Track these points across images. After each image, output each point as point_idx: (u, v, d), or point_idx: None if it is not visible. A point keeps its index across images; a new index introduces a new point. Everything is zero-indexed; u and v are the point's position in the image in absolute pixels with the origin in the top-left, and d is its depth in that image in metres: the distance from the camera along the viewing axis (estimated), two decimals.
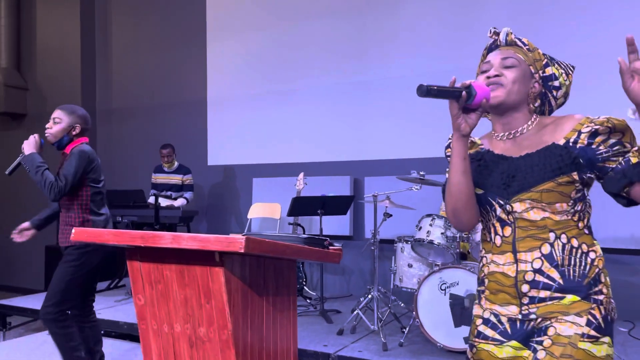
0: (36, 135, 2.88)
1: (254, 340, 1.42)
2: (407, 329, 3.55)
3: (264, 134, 5.77)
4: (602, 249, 3.87)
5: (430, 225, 3.70)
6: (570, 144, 1.27)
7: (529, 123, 1.37)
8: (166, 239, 1.29)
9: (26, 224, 3.02)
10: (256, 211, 5.44)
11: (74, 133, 2.94)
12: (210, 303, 1.35)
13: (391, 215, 4.05)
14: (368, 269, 5.10)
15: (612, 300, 1.30)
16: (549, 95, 1.41)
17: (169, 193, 5.60)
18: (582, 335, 1.23)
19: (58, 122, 2.91)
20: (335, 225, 5.14)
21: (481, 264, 1.41)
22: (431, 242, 3.62)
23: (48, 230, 6.70)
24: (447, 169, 1.41)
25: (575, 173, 1.26)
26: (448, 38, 4.77)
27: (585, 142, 1.26)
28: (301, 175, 4.56)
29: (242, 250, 1.20)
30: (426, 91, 1.21)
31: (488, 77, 1.35)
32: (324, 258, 1.57)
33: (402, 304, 4.09)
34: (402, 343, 3.45)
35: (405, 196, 4.44)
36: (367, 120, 5.17)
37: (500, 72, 1.35)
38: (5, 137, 7.59)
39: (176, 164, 5.67)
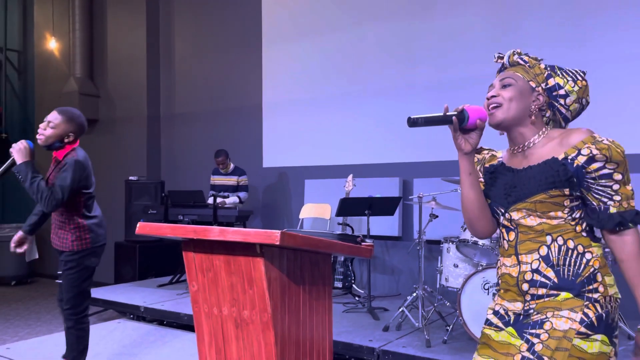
0: (24, 141, 2.76)
1: (291, 323, 1.60)
2: (451, 326, 3.64)
3: (315, 137, 5.98)
4: None
5: None
6: (569, 161, 1.37)
7: (537, 136, 1.47)
8: (214, 232, 1.49)
9: (20, 234, 2.99)
10: (307, 211, 5.65)
11: (66, 140, 2.87)
12: (252, 289, 1.54)
13: (437, 217, 4.14)
14: (417, 269, 5.18)
15: (617, 299, 1.39)
16: (556, 104, 1.50)
17: (226, 194, 5.92)
18: (577, 332, 1.32)
19: (53, 127, 2.81)
20: (384, 225, 5.26)
21: (497, 266, 1.55)
22: (475, 242, 3.69)
23: (116, 227, 7.23)
24: None
25: (567, 189, 1.37)
26: (497, 42, 4.79)
27: (581, 163, 1.36)
28: (350, 176, 4.72)
29: (278, 243, 1.39)
30: (413, 122, 1.35)
31: (487, 99, 1.49)
32: (355, 252, 1.73)
33: (448, 303, 4.17)
34: (446, 340, 3.54)
35: (452, 197, 4.50)
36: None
37: (498, 92, 1.47)
38: (80, 141, 8.18)
39: (232, 166, 5.98)
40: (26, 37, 9.11)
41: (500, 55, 1.57)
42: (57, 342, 4.17)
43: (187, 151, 7.28)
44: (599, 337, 1.32)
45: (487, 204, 1.52)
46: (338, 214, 4.34)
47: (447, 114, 1.40)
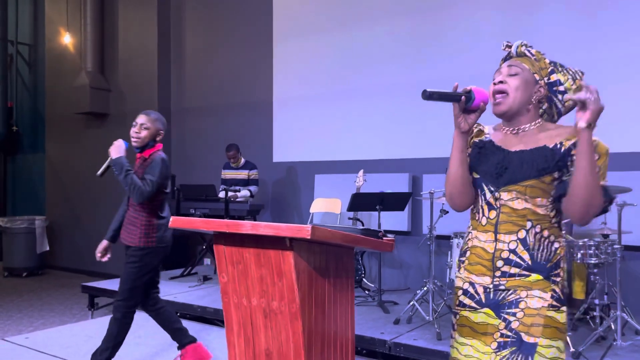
0: (120, 140, 3.04)
1: (317, 314, 1.67)
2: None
3: (326, 133, 6.04)
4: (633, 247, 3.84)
5: None
6: (557, 147, 1.49)
7: (533, 123, 1.58)
8: (246, 226, 1.56)
9: (105, 243, 3.22)
10: (318, 206, 5.72)
11: (157, 139, 3.12)
12: (282, 281, 1.61)
13: (447, 212, 4.21)
14: (425, 263, 5.25)
15: (565, 280, 1.55)
16: (555, 99, 1.61)
17: (237, 188, 5.99)
18: (548, 306, 1.48)
19: (146, 128, 3.06)
20: (394, 220, 5.32)
21: (467, 237, 1.65)
22: None
23: None
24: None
25: (557, 173, 1.48)
26: (503, 39, 4.83)
27: (568, 146, 1.47)
28: (361, 172, 4.78)
29: (309, 237, 1.45)
30: (429, 95, 1.43)
31: (494, 84, 1.58)
32: (378, 247, 1.80)
33: None
34: None
35: None
36: (425, 118, 5.31)
37: (505, 79, 1.57)
38: (91, 135, 8.29)
39: (242, 160, 6.05)
40: (37, 30, 9.18)
41: (509, 44, 1.66)
42: (74, 332, 4.27)
43: (197, 145, 7.35)
44: (564, 309, 1.52)
45: (470, 179, 1.60)
46: (350, 208, 4.40)
47: (457, 92, 1.49)
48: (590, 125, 1.37)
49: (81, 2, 7.95)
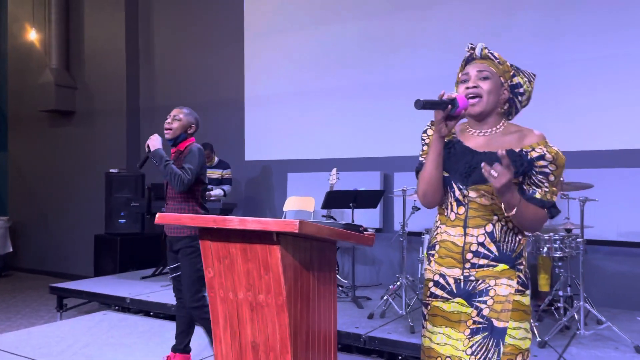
0: (156, 134, 3.14)
1: (302, 307, 1.72)
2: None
3: (298, 131, 6.08)
4: (623, 242, 4.10)
5: None
6: (524, 153, 1.61)
7: (498, 126, 1.70)
8: (234, 222, 1.60)
9: None
10: (291, 204, 5.76)
11: (189, 131, 3.18)
12: (268, 274, 1.65)
13: (419, 209, 4.31)
14: (397, 259, 5.36)
15: (527, 267, 1.70)
16: (516, 100, 1.74)
17: (209, 187, 5.97)
18: (515, 291, 1.61)
19: (178, 120, 3.13)
20: (366, 218, 5.41)
21: (435, 232, 1.75)
22: None
23: (96, 220, 7.19)
24: (421, 152, 1.78)
25: (520, 178, 1.62)
26: (478, 39, 4.97)
27: (533, 157, 1.60)
28: (334, 170, 4.84)
29: (297, 231, 1.50)
30: (422, 105, 1.53)
31: (467, 88, 1.67)
32: (360, 241, 1.86)
33: None
34: None
35: None
36: (396, 117, 5.42)
37: (477, 83, 1.67)
38: (56, 133, 8.11)
39: (216, 159, 6.03)
40: (0, 27, 8.91)
41: (473, 46, 1.75)
42: (44, 333, 4.19)
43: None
44: (528, 292, 1.65)
45: (442, 179, 1.70)
46: (324, 206, 4.46)
47: (443, 99, 1.58)
48: (503, 189, 1.50)
49: None
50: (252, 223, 1.58)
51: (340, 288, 4.88)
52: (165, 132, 3.15)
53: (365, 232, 1.94)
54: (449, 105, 1.57)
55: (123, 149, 7.38)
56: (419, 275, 4.27)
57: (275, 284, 1.65)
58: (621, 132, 4.38)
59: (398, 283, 4.13)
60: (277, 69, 6.26)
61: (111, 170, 6.69)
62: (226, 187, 5.99)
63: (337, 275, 4.98)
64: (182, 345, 3.28)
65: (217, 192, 5.89)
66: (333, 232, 1.68)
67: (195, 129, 3.22)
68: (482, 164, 1.50)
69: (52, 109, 7.72)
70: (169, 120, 3.15)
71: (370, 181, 5.47)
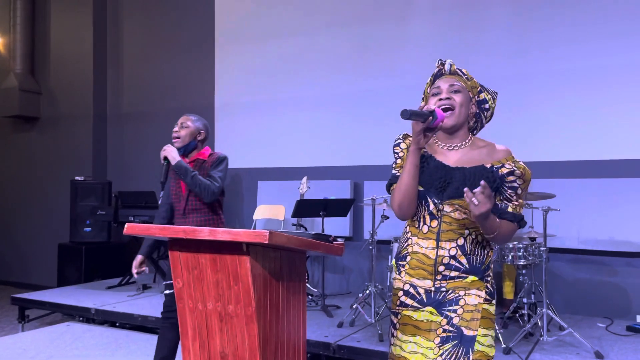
0: (169, 145, 2.99)
1: (272, 317, 1.73)
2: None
3: (269, 139, 6.08)
4: (584, 250, 4.21)
5: None
6: (495, 170, 1.69)
7: (467, 141, 1.76)
8: (204, 233, 1.60)
9: (139, 257, 3.06)
10: (261, 212, 5.75)
11: (199, 138, 3.07)
12: (237, 285, 1.66)
13: (388, 217, 4.36)
14: (366, 267, 5.40)
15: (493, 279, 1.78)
16: (482, 115, 1.81)
17: None
18: (483, 300, 1.67)
19: (185, 127, 3.04)
20: (336, 226, 5.44)
21: (405, 243, 1.78)
22: None
23: (61, 229, 7.02)
24: (393, 164, 1.82)
25: (494, 193, 1.69)
26: (449, 50, 5.09)
27: (503, 174, 1.68)
28: (304, 179, 4.86)
29: (267, 242, 1.51)
30: (409, 115, 1.58)
31: (440, 99, 1.72)
32: (330, 251, 1.88)
33: None
34: None
35: None
36: (367, 127, 5.48)
37: (450, 96, 1.72)
38: (20, 139, 7.90)
39: None
40: None
41: (442, 62, 1.81)
42: (6, 344, 4.07)
43: (135, 151, 7.18)
44: (494, 301, 1.73)
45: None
46: (294, 214, 4.47)
47: (424, 110, 1.61)
48: (483, 216, 1.56)
49: (10, 1, 7.59)
50: (222, 234, 1.58)
51: (310, 297, 4.89)
52: (173, 140, 3.04)
53: (334, 242, 1.96)
54: (430, 117, 1.61)
55: (89, 156, 7.24)
56: (388, 284, 4.31)
57: (245, 294, 1.65)
58: (582, 143, 4.53)
59: (367, 291, 4.16)
60: (248, 76, 6.26)
61: (77, 178, 6.56)
62: None
63: (307, 284, 4.99)
64: None
65: None
66: (302, 242, 1.70)
67: (205, 135, 3.11)
68: (465, 189, 1.54)
69: (16, 115, 7.52)
70: (176, 128, 3.06)
71: (340, 190, 5.50)
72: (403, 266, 1.76)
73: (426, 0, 5.25)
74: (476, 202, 1.51)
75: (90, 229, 6.40)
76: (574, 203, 4.40)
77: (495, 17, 4.92)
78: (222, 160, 3.01)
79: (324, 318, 4.31)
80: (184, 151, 3.04)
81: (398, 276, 1.78)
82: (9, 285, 7.68)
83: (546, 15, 4.71)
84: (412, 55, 5.28)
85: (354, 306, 4.13)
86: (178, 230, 1.65)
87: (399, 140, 1.84)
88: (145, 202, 5.62)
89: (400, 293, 1.75)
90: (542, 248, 3.74)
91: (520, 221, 1.71)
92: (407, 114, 1.57)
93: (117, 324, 4.66)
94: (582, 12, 4.58)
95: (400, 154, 1.82)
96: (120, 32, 7.37)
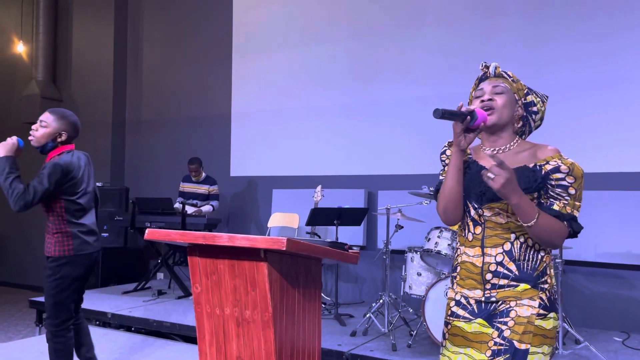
0: (14, 138, 2.76)
1: (288, 323, 1.76)
2: (415, 332, 3.86)
3: (284, 148, 6.13)
4: (601, 263, 4.16)
5: (438, 237, 4.01)
6: (538, 168, 1.60)
7: (512, 143, 1.69)
8: (223, 239, 1.63)
9: None
10: (276, 220, 5.78)
11: (59, 140, 2.83)
12: (255, 291, 1.69)
13: (402, 227, 4.37)
14: (380, 277, 5.40)
15: (555, 286, 1.64)
16: (530, 118, 1.74)
17: (195, 201, 5.98)
18: (537, 314, 1.57)
19: (44, 126, 2.80)
20: (350, 235, 5.46)
21: (456, 254, 1.74)
22: (439, 252, 3.93)
23: None
24: (441, 172, 1.77)
25: (536, 193, 1.60)
26: (460, 62, 5.11)
27: (547, 170, 1.59)
28: (319, 187, 4.89)
29: (284, 249, 1.54)
30: (441, 114, 1.53)
31: (482, 101, 1.68)
32: (345, 259, 1.90)
33: (411, 310, 4.39)
34: (410, 344, 3.75)
35: (416, 209, 4.75)
36: (381, 137, 5.51)
37: (492, 97, 1.68)
38: None
39: (203, 175, 6.05)
40: None
41: (487, 65, 1.77)
42: (23, 348, 4.14)
43: (152, 158, 7.28)
44: (551, 315, 1.59)
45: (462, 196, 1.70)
46: (308, 223, 4.50)
47: (462, 110, 1.58)
48: (505, 191, 1.48)
49: (34, 10, 7.77)
50: (241, 240, 1.61)
51: (323, 305, 4.90)
52: (29, 138, 2.85)
53: (349, 250, 1.98)
54: (468, 117, 1.57)
55: (107, 163, 7.36)
56: (402, 294, 4.31)
57: (262, 300, 1.68)
58: (600, 155, 4.50)
59: (381, 301, 4.16)
60: (264, 86, 6.33)
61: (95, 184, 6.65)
62: (215, 203, 6.01)
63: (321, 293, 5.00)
64: None
65: (207, 208, 5.91)
66: (319, 249, 1.73)
67: (68, 136, 2.85)
68: (482, 172, 1.47)
69: None
70: (34, 126, 2.84)
71: (354, 199, 5.52)
72: (455, 278, 1.72)
73: (441, 10, 5.28)
74: (492, 176, 1.45)
75: (107, 234, 6.49)
76: (590, 215, 4.37)
77: (510, 27, 4.92)
78: (48, 168, 2.71)
79: (337, 327, 4.32)
80: (40, 151, 2.84)
81: (451, 288, 1.73)
82: (27, 289, 7.80)
83: (561, 24, 4.71)
84: (427, 64, 5.30)
85: (367, 315, 4.13)
86: (198, 236, 1.69)
87: (445, 148, 1.81)
88: (161, 208, 5.69)
89: (452, 303, 1.71)
90: (557, 260, 3.72)
91: (569, 221, 1.57)
92: (439, 113, 1.52)
93: (133, 329, 4.71)
94: (599, 23, 4.57)
95: (447, 162, 1.79)
96: (140, 41, 7.50)
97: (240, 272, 1.71)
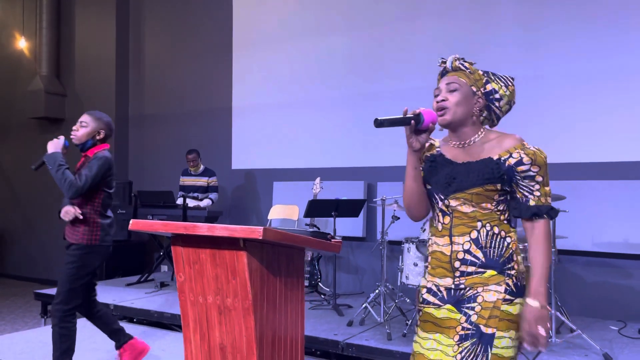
0: (61, 137, 3.06)
1: (269, 311, 1.80)
2: (410, 321, 3.89)
3: (284, 141, 6.17)
4: (598, 253, 4.17)
5: None
6: (501, 161, 1.64)
7: (477, 135, 1.73)
8: (203, 228, 1.68)
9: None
10: (276, 212, 5.83)
11: (97, 138, 3.11)
12: (235, 279, 1.73)
13: (399, 218, 4.40)
14: (379, 268, 5.43)
15: (523, 272, 1.67)
16: (492, 106, 1.76)
17: (195, 194, 6.04)
18: (503, 300, 1.61)
19: (85, 126, 3.07)
20: (350, 227, 5.49)
21: (428, 244, 1.79)
22: None
23: None
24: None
25: (499, 184, 1.64)
26: (460, 54, 5.09)
27: (512, 164, 1.63)
28: (318, 179, 4.93)
29: (260, 237, 1.58)
30: (380, 123, 1.58)
31: (437, 102, 1.72)
32: (326, 248, 1.94)
33: (409, 300, 4.43)
34: (405, 334, 3.78)
35: None
36: (381, 129, 5.51)
37: (445, 96, 1.71)
38: (45, 140, 8.10)
39: (202, 167, 6.11)
40: None
41: (444, 60, 1.80)
42: (27, 338, 4.23)
43: (155, 152, 7.34)
44: (518, 300, 1.62)
45: (425, 192, 1.76)
46: (306, 215, 4.54)
47: (407, 116, 1.63)
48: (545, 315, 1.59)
49: (37, 6, 7.84)
50: (220, 230, 1.66)
51: (323, 296, 4.95)
52: (71, 138, 3.12)
53: (332, 240, 2.02)
54: (412, 121, 1.61)
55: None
56: (399, 284, 4.34)
57: (242, 288, 1.72)
58: (596, 145, 4.50)
59: (377, 291, 4.20)
60: (265, 79, 6.36)
61: None
62: (213, 196, 6.07)
63: (320, 284, 5.05)
64: (124, 339, 3.30)
65: (206, 202, 5.97)
66: (297, 238, 1.76)
67: (104, 135, 3.13)
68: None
69: (42, 116, 7.77)
70: (75, 126, 3.11)
71: (354, 191, 5.55)
72: (426, 267, 1.77)
73: (438, 2, 5.27)
74: (543, 345, 1.56)
75: None
76: (587, 205, 4.38)
77: (507, 18, 4.91)
78: (97, 159, 2.99)
79: (334, 317, 4.37)
80: (81, 148, 3.11)
81: (424, 277, 1.78)
82: (34, 281, 7.92)
83: (557, 15, 4.69)
84: (425, 56, 5.30)
85: (364, 305, 4.17)
86: (179, 226, 1.73)
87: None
88: (163, 201, 5.76)
89: (424, 290, 1.75)
90: (552, 250, 3.73)
91: (548, 212, 1.62)
92: (378, 122, 1.57)
93: (135, 320, 4.79)
94: (594, 12, 4.54)
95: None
96: (142, 36, 7.55)
97: (221, 261, 1.75)
